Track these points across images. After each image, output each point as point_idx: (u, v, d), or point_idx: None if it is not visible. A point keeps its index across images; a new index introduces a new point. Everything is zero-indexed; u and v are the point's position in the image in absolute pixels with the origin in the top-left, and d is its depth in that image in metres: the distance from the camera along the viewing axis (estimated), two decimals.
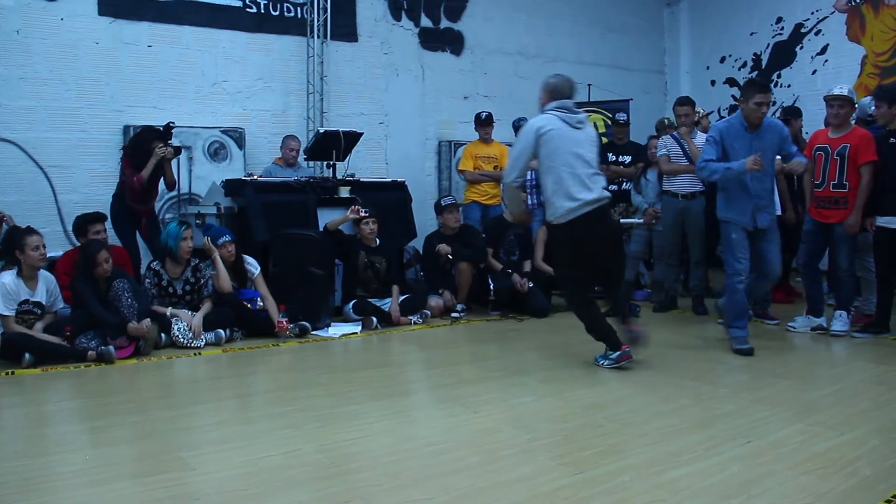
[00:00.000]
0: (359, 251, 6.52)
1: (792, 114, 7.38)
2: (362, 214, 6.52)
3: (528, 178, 8.25)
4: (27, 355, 4.83)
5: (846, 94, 5.62)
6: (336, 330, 6.07)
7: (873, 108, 5.81)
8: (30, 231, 5.19)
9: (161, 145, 6.30)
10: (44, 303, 5.21)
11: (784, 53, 10.18)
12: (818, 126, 6.24)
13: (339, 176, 7.15)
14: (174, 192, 7.34)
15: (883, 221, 5.55)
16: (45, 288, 5.23)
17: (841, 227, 5.63)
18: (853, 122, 6.00)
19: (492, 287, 6.85)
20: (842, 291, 5.82)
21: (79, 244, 5.96)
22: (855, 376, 4.57)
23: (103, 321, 5.17)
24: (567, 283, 5.00)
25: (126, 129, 7.36)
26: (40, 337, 5.01)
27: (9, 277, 5.05)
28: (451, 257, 6.86)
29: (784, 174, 6.29)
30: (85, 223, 5.92)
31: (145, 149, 6.32)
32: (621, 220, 7.75)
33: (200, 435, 3.53)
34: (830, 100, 5.68)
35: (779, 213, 6.22)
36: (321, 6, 8.49)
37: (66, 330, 5.10)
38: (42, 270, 5.26)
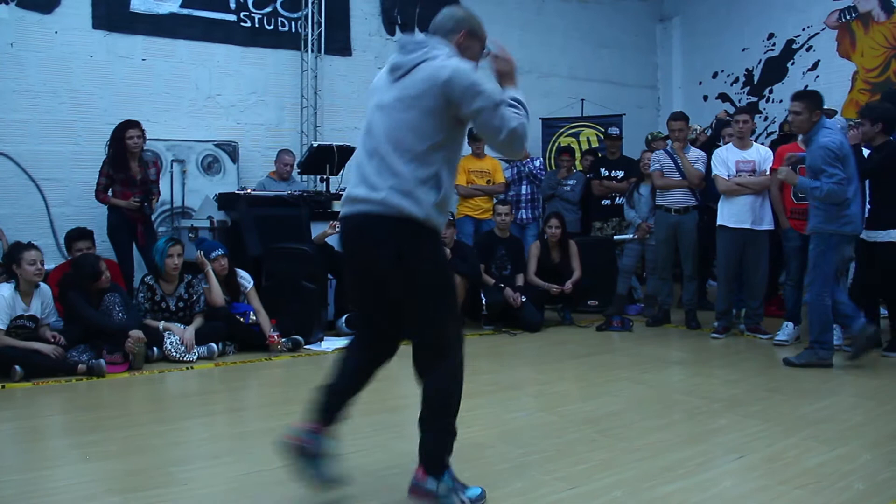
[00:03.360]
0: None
1: None
2: (338, 230, 6.50)
3: (524, 192, 8.29)
4: (17, 368, 4.81)
5: None
6: (329, 344, 6.05)
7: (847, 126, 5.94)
8: (28, 246, 5.18)
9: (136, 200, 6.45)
10: (38, 316, 5.19)
11: (775, 69, 10.25)
12: None
13: (332, 190, 7.16)
14: (167, 206, 7.34)
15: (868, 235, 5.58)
16: (40, 301, 5.21)
17: None
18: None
19: (484, 301, 6.84)
20: None
21: (69, 258, 5.96)
22: (847, 391, 4.57)
23: (104, 327, 5.16)
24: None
25: None
26: (30, 346, 4.97)
27: (7, 291, 5.04)
28: None
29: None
30: (69, 240, 5.94)
31: (118, 141, 6.45)
32: (614, 237, 7.78)
33: (192, 450, 3.52)
34: None
35: (772, 227, 6.25)
36: (315, 20, 8.53)
37: (53, 337, 5.11)
38: (41, 283, 5.25)
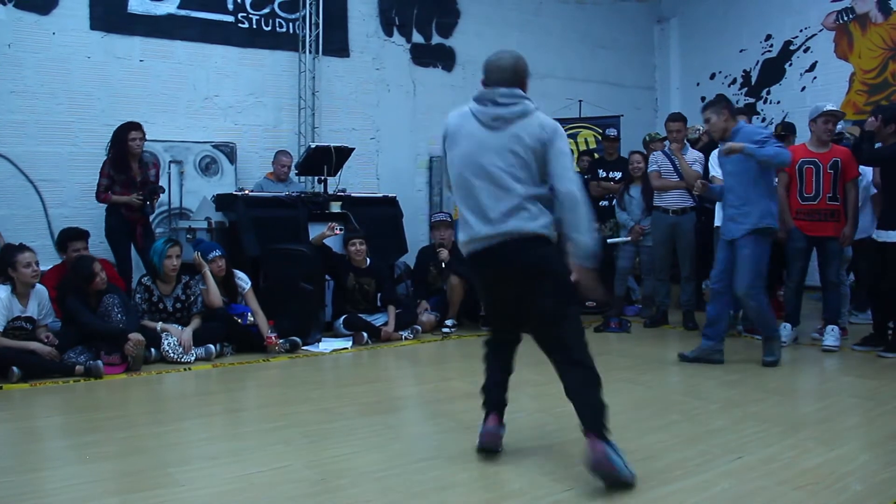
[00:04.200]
0: (348, 273, 6.50)
1: (791, 130, 7.44)
2: (337, 232, 6.52)
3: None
4: (15, 369, 4.80)
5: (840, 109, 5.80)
6: (326, 345, 6.06)
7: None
8: (21, 248, 5.14)
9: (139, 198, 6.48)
10: (35, 317, 5.18)
11: (773, 70, 10.26)
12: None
13: (330, 191, 7.16)
14: (165, 207, 7.33)
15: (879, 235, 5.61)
16: (37, 302, 5.20)
17: (833, 242, 5.71)
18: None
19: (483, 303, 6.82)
20: (832, 305, 5.86)
21: (63, 258, 5.94)
22: (845, 391, 4.57)
23: (103, 332, 5.15)
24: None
25: None
26: (25, 346, 4.95)
27: (3, 293, 5.02)
28: (444, 265, 6.88)
29: None
30: (66, 240, 5.91)
31: (120, 143, 6.46)
32: (608, 240, 7.77)
33: (190, 451, 3.51)
34: (827, 115, 5.77)
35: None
36: (313, 22, 8.52)
37: (47, 337, 5.11)
38: (37, 284, 5.24)
